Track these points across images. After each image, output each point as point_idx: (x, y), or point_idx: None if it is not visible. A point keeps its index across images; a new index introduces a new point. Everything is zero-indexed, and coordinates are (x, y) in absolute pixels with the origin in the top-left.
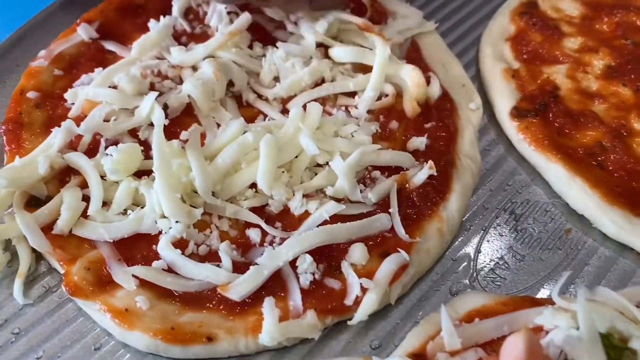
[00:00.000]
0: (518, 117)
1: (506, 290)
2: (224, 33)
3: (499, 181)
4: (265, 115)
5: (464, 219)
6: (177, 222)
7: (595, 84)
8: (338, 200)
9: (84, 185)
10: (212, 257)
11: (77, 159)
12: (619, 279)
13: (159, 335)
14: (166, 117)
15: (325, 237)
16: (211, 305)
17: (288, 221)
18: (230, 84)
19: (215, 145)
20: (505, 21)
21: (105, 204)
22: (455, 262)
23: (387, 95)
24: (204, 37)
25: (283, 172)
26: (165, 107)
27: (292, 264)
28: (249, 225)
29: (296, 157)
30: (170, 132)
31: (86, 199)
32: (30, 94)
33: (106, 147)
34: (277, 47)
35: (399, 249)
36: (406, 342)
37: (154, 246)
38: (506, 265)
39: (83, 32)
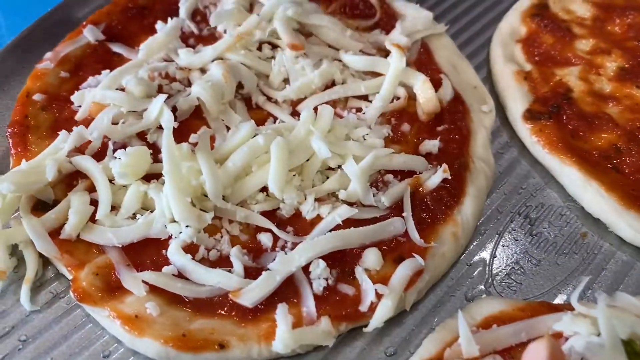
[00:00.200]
0: (531, 120)
1: (522, 295)
2: (233, 35)
3: (513, 185)
4: (275, 118)
5: (478, 223)
6: (187, 226)
7: (608, 86)
8: (350, 204)
9: (91, 189)
10: (222, 262)
11: (85, 162)
12: (637, 283)
13: (170, 342)
14: (175, 120)
15: (338, 242)
16: (223, 312)
17: (300, 225)
18: (240, 86)
19: (226, 148)
20: (516, 23)
21: (114, 208)
22: (470, 267)
23: (398, 98)
24: (211, 39)
25: (294, 175)
26: (173, 110)
27: (305, 269)
28: (260, 229)
29: (307, 160)
30: (179, 135)
31: (94, 203)
32: (36, 97)
33: (114, 151)
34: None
35: (414, 254)
36: (422, 349)
37: (163, 251)
38: (522, 270)
39: (89, 34)
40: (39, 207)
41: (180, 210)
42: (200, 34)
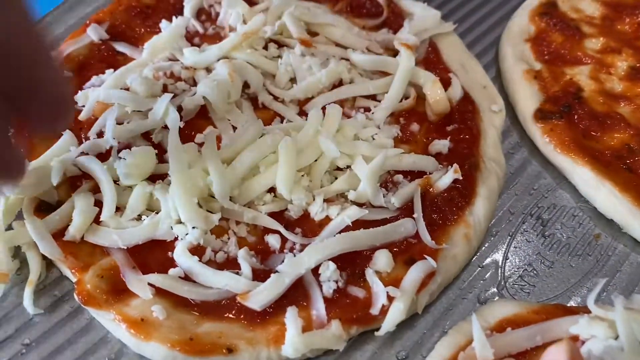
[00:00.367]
0: (542, 119)
1: (535, 297)
2: (239, 34)
3: (524, 185)
4: (282, 118)
5: (489, 225)
6: (193, 227)
7: (619, 85)
8: (359, 205)
9: (95, 190)
10: (230, 264)
11: (89, 163)
12: None
13: (177, 346)
14: (180, 120)
15: (348, 244)
16: (231, 315)
17: (308, 227)
18: (246, 85)
19: (233, 149)
20: (525, 22)
21: (118, 209)
22: (482, 269)
23: (407, 98)
24: (216, 38)
25: (302, 175)
26: (179, 109)
27: (314, 271)
28: (267, 231)
29: (315, 160)
30: (185, 135)
31: (98, 204)
32: None
33: (119, 151)
34: (292, 48)
35: (426, 256)
36: (435, 352)
37: (169, 253)
38: (535, 272)
39: (93, 33)
40: (42, 208)
41: (187, 211)
42: (205, 33)
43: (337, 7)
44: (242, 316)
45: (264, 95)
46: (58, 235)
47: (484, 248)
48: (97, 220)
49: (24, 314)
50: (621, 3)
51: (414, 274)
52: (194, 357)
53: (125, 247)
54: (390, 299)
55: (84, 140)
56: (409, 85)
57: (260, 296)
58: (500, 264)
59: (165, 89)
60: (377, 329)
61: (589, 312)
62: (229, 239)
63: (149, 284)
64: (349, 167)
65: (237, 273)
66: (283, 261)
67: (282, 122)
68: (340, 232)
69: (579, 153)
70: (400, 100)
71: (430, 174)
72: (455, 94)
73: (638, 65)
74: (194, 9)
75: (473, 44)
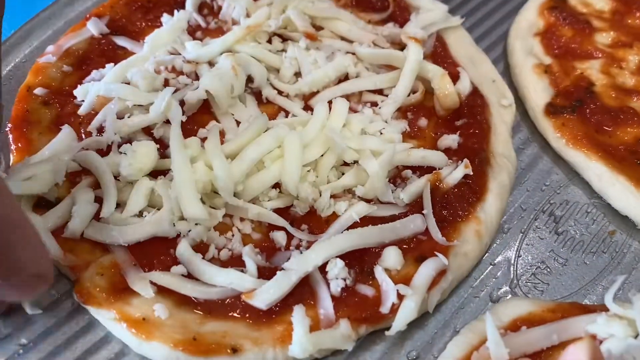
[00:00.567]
0: (554, 114)
1: (549, 296)
2: (243, 27)
3: (536, 181)
4: (286, 113)
5: (501, 221)
6: (196, 224)
7: (631, 79)
8: (367, 201)
9: (95, 185)
10: (234, 262)
11: (90, 158)
12: None
13: (180, 346)
14: (182, 114)
15: (357, 240)
16: (235, 314)
17: (314, 223)
18: (249, 80)
19: (237, 143)
20: (533, 16)
21: (119, 205)
22: (494, 266)
23: (414, 92)
24: (219, 32)
25: (309, 171)
26: (181, 104)
27: (321, 269)
28: (272, 227)
29: (322, 155)
30: (187, 130)
31: (98, 200)
32: (38, 91)
33: (119, 146)
34: (297, 42)
35: (437, 253)
36: (447, 352)
37: (172, 250)
38: (548, 269)
39: (93, 27)
40: (42, 204)
41: (190, 207)
42: (208, 27)
43: (341, 1)
44: (247, 315)
45: (268, 89)
46: (57, 231)
47: (495, 245)
48: (97, 217)
49: (21, 313)
50: None
51: (425, 271)
52: (198, 358)
53: (126, 245)
54: (401, 297)
55: (83, 136)
56: (416, 79)
57: (265, 294)
58: (512, 261)
59: (166, 84)
60: (387, 329)
61: (606, 310)
62: (233, 235)
63: (151, 282)
64: (356, 162)
65: (242, 271)
66: (289, 259)
67: (286, 116)
68: (347, 229)
69: (592, 148)
70: (408, 95)
71: (439, 169)
72: (464, 88)
73: None
74: (195, 2)
75: (480, 39)
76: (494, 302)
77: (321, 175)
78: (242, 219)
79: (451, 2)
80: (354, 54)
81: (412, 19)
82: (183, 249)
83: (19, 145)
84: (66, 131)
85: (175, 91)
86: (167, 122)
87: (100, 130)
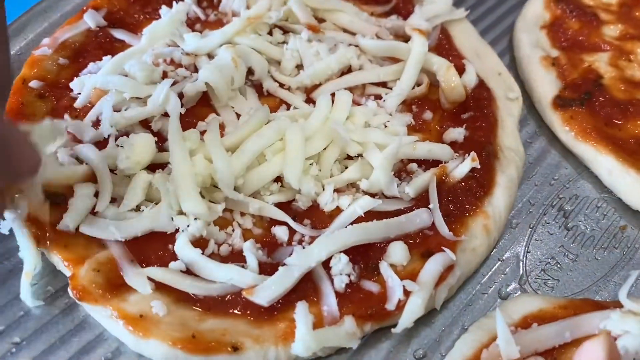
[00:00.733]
0: (562, 107)
1: (560, 292)
2: (243, 18)
3: (544, 175)
4: (288, 106)
5: (509, 216)
6: (196, 219)
7: None
8: (371, 195)
9: (92, 179)
10: (234, 257)
11: (86, 151)
12: None
13: (179, 344)
14: (181, 107)
15: (361, 235)
16: (236, 311)
17: (317, 218)
18: (249, 72)
19: (238, 136)
20: (539, 8)
21: (116, 200)
22: (502, 262)
23: (419, 85)
24: (218, 25)
25: (311, 164)
26: (179, 97)
27: (325, 264)
28: (274, 222)
29: (325, 148)
30: (186, 123)
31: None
32: (33, 84)
33: (116, 138)
34: (299, 34)
35: (444, 248)
36: (456, 350)
37: (170, 246)
38: (558, 265)
39: (90, 20)
40: None
41: (188, 201)
42: (207, 20)
43: None
44: (248, 312)
45: (269, 82)
46: (51, 225)
47: (503, 241)
48: (93, 211)
49: (13, 310)
50: None
51: (432, 267)
52: (197, 356)
53: (123, 240)
54: (407, 293)
55: None
56: (421, 72)
57: (267, 291)
58: (521, 257)
59: (165, 76)
60: (393, 326)
61: (620, 306)
62: (233, 231)
63: (149, 278)
64: (360, 155)
65: (243, 266)
66: (291, 254)
67: (288, 110)
68: (351, 224)
69: (602, 141)
70: (413, 88)
71: (445, 163)
72: (470, 81)
73: None
74: None
75: (485, 32)
76: (503, 298)
77: (324, 168)
78: (242, 214)
79: None
80: (356, 46)
81: (416, 11)
82: (182, 244)
83: None
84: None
85: (174, 84)
86: (165, 115)
87: (97, 123)
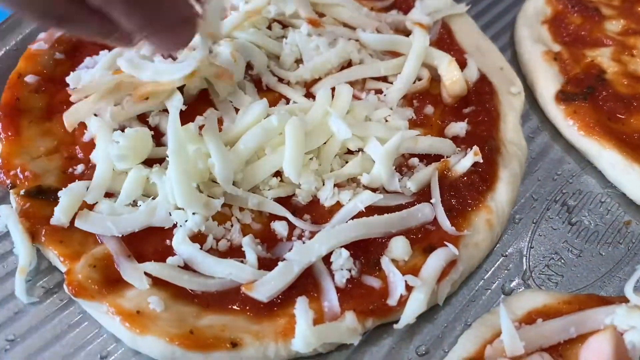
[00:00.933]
0: (565, 102)
1: (564, 288)
2: (242, 12)
3: (547, 170)
4: (287, 100)
5: (512, 211)
6: (194, 214)
7: None
8: (372, 190)
9: None
10: (233, 253)
11: None
12: None
13: (176, 340)
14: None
15: (362, 230)
16: (235, 307)
17: (317, 213)
18: (249, 67)
19: (236, 130)
20: (540, 3)
21: (112, 195)
22: (506, 258)
23: (421, 79)
24: None
25: (311, 159)
26: None
27: (325, 260)
28: (273, 217)
29: (325, 143)
30: (184, 118)
31: None
32: (29, 78)
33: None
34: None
35: (447, 243)
36: (459, 346)
37: (167, 241)
38: (562, 261)
39: None
40: (40, 197)
41: (186, 195)
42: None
43: None
44: (247, 308)
45: (268, 76)
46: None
47: (506, 236)
48: (89, 207)
49: (8, 307)
50: None
51: (435, 262)
52: (195, 352)
53: (120, 235)
54: (409, 289)
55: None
56: (422, 66)
57: (267, 286)
58: (524, 252)
59: None
60: (395, 322)
61: (626, 301)
62: (232, 226)
63: (146, 274)
64: (360, 150)
65: (242, 262)
66: (291, 249)
67: (287, 104)
68: (352, 219)
69: (605, 136)
70: (414, 82)
71: (447, 157)
72: (471, 75)
73: None
74: None
75: (486, 27)
76: (507, 294)
77: (324, 163)
78: (241, 209)
79: None
80: (357, 40)
81: (417, 6)
82: (180, 239)
83: (9, 133)
84: None
85: None
86: (163, 110)
87: None
